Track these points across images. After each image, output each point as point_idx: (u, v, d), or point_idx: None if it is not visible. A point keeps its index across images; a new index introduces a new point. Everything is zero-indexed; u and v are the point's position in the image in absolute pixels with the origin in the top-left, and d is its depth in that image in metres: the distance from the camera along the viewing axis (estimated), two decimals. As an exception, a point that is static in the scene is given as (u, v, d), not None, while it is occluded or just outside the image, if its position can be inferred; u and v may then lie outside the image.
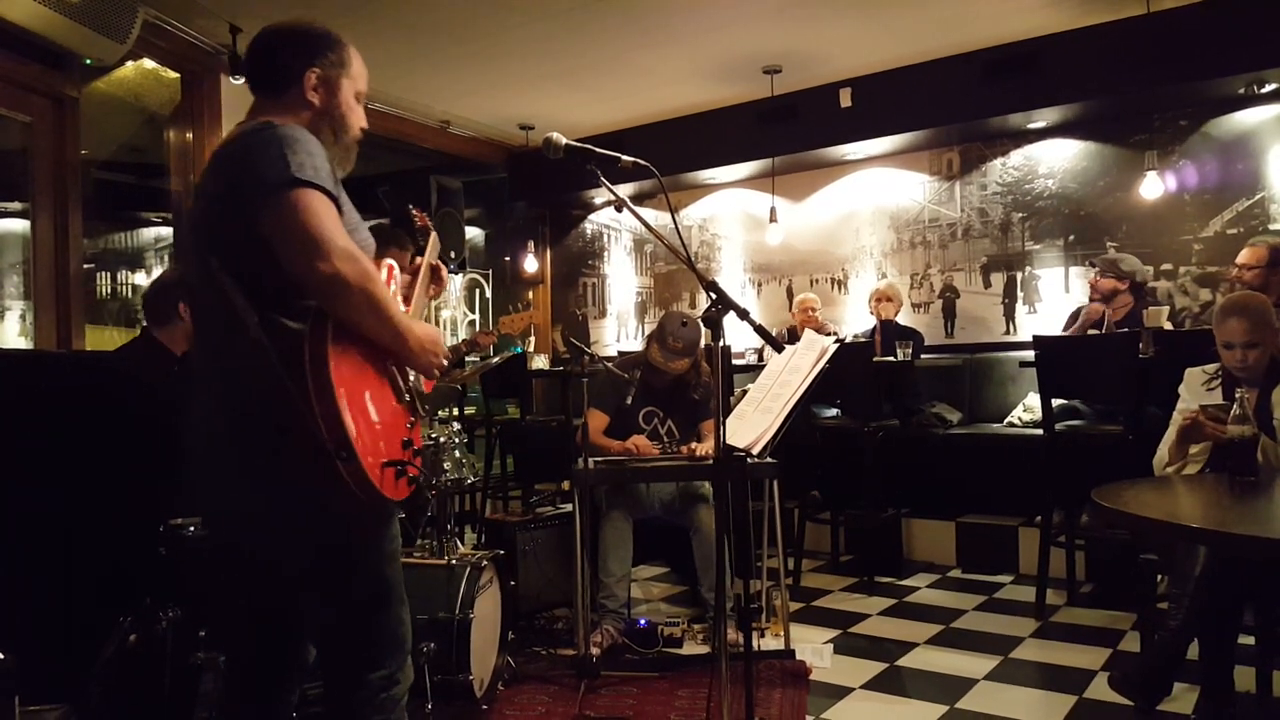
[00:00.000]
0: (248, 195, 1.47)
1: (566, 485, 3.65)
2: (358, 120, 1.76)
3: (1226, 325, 2.74)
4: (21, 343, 5.06)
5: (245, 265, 1.49)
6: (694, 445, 3.63)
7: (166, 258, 7.03)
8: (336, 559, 1.60)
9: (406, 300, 1.90)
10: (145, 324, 3.11)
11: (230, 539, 1.69)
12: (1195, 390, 2.88)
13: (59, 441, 2.97)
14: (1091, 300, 4.61)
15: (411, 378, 1.71)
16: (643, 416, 3.85)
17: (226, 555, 1.72)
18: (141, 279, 7.33)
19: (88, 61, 4.26)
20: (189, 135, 5.06)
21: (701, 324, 1.96)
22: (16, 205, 4.67)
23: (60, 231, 4.33)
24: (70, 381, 3.18)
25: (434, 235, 2.18)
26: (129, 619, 2.48)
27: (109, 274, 7.42)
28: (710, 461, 3.49)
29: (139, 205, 7.21)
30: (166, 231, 6.97)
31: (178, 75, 5.01)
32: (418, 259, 2.08)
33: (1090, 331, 4.38)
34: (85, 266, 4.58)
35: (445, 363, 1.70)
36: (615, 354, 5.43)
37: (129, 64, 4.93)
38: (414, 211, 2.24)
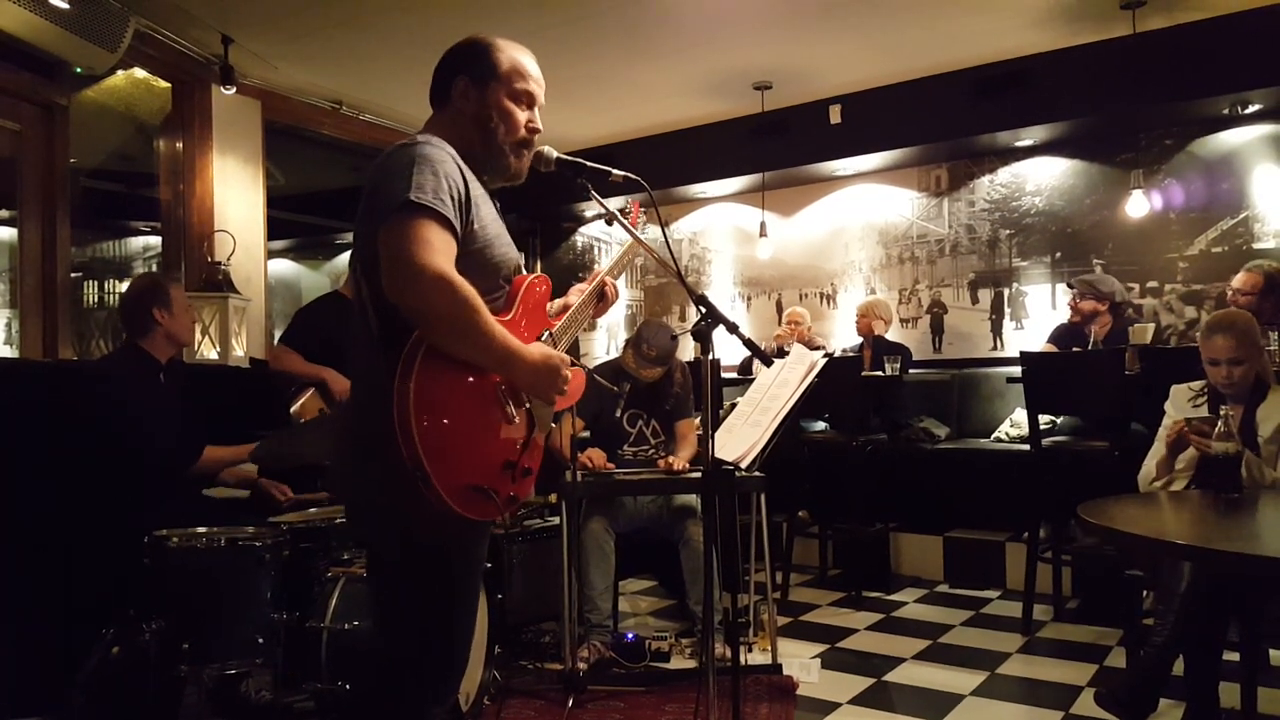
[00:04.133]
0: (375, 211, 1.53)
1: (554, 498, 3.63)
2: (514, 122, 1.74)
3: (1212, 342, 2.76)
4: (7, 351, 5.03)
5: (377, 275, 1.53)
6: (670, 460, 3.61)
7: (154, 267, 6.99)
8: (415, 558, 1.63)
9: (558, 315, 1.85)
10: (126, 334, 3.10)
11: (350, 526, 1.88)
12: (1181, 406, 2.90)
13: (42, 451, 2.95)
14: (1072, 321, 4.59)
15: (527, 400, 1.69)
16: (627, 419, 3.85)
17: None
18: (129, 288, 7.28)
19: (78, 70, 4.25)
20: (179, 144, 5.04)
21: (691, 337, 1.94)
22: (4, 213, 4.65)
23: (48, 240, 4.31)
24: (54, 391, 3.16)
25: (630, 245, 2.03)
26: (112, 630, 2.46)
27: (97, 283, 7.38)
28: (697, 474, 3.49)
29: (128, 214, 7.18)
30: (155, 240, 6.93)
31: (169, 85, 5.00)
32: (596, 269, 1.96)
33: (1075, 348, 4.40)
34: (73, 275, 4.56)
35: (565, 388, 1.67)
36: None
37: (120, 73, 4.91)
38: (630, 206, 1.98)
